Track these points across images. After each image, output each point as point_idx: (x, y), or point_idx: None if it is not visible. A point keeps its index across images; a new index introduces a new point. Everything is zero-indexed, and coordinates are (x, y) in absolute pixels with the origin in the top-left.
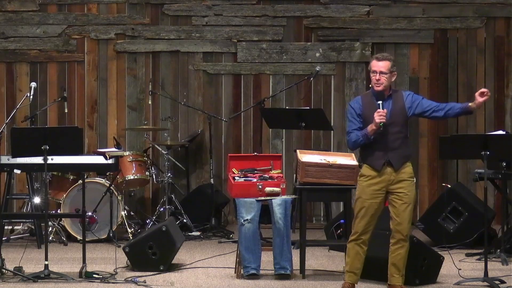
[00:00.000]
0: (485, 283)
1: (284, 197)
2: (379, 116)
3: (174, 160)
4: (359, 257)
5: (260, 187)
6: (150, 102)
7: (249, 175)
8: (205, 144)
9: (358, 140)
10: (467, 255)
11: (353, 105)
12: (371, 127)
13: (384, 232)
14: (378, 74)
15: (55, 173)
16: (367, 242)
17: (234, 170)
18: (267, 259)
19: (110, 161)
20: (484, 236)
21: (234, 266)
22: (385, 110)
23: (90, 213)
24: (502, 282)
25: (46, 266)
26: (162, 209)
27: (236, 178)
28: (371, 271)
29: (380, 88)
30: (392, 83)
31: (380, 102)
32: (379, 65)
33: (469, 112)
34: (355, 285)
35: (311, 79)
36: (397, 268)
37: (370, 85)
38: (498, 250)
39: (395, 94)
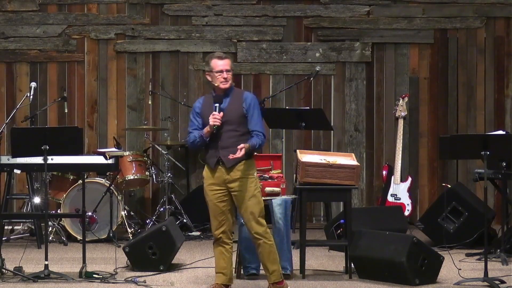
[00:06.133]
0: (485, 283)
1: (284, 197)
2: (214, 118)
3: (174, 160)
4: (224, 257)
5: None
6: (150, 102)
7: None
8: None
9: (196, 141)
10: (467, 255)
11: (195, 105)
12: (206, 129)
13: (384, 232)
14: (225, 72)
15: (55, 173)
16: (228, 240)
17: None
18: None
19: (110, 161)
20: (484, 236)
21: (234, 266)
22: (221, 114)
23: (90, 213)
24: (502, 282)
25: (46, 266)
26: (162, 209)
27: None
28: (371, 271)
29: (227, 86)
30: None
31: (217, 104)
32: (224, 63)
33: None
34: (229, 286)
35: (311, 79)
36: (265, 267)
37: (214, 86)
38: (498, 250)
39: (234, 92)
